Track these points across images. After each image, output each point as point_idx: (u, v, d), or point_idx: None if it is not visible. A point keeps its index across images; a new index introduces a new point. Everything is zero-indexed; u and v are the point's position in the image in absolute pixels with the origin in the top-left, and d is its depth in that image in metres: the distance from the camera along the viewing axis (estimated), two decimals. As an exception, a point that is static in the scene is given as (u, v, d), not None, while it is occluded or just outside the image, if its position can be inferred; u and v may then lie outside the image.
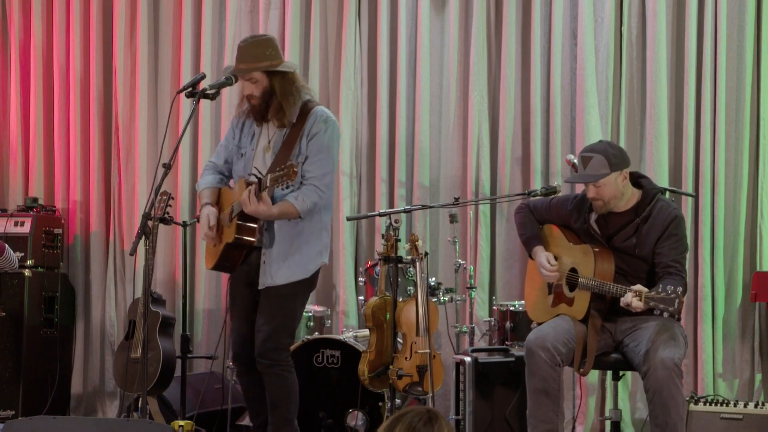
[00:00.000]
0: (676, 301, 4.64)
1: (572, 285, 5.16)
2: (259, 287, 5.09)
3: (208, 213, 5.18)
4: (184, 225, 6.69)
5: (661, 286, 4.72)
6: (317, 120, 5.07)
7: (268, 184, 4.84)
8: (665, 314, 4.71)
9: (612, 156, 5.04)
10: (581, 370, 5.09)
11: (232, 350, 5.28)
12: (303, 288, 5.17)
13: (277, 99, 5.06)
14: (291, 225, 5.07)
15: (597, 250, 5.09)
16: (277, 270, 5.05)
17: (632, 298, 4.76)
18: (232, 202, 5.12)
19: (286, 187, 4.91)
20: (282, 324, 5.11)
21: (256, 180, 4.94)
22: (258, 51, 5.07)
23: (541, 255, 5.25)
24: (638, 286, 4.78)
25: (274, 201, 4.98)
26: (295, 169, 4.74)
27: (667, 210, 5.08)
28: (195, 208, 7.16)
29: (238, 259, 5.13)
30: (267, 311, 5.10)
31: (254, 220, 5.03)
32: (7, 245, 6.43)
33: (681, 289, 4.70)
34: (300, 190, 5.01)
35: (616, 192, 5.06)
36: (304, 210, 5.02)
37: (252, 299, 5.17)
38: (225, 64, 6.99)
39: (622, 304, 4.82)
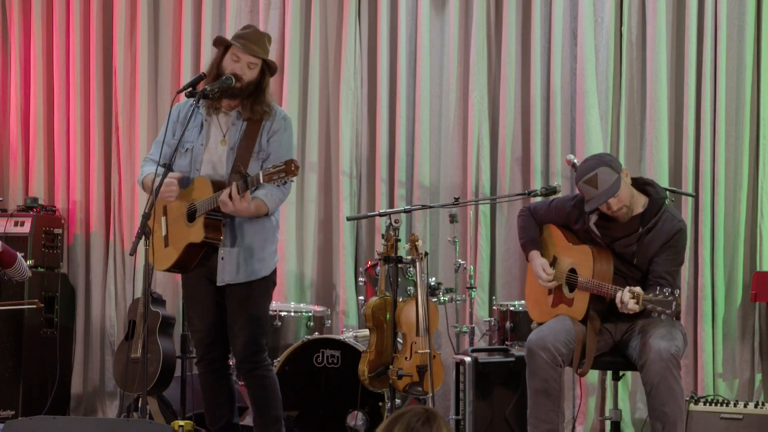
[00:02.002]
0: (674, 303, 4.65)
1: (572, 285, 5.16)
2: (218, 284, 5.00)
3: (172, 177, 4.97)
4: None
5: (658, 288, 4.73)
6: (277, 118, 5.04)
7: (262, 181, 4.73)
8: (662, 317, 4.71)
9: (609, 161, 5.04)
10: (579, 370, 5.09)
11: (196, 354, 5.19)
12: (266, 286, 5.10)
13: (262, 93, 5.01)
14: (251, 223, 4.99)
15: (596, 250, 5.09)
16: (238, 268, 4.98)
17: (629, 298, 4.75)
18: (185, 199, 5.00)
19: (284, 183, 4.82)
20: (257, 326, 5.04)
21: (239, 178, 4.82)
22: (267, 43, 5.09)
23: (537, 261, 5.24)
24: (637, 288, 4.78)
25: None
26: (296, 165, 4.66)
27: (672, 222, 5.06)
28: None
29: (196, 259, 5.01)
30: (239, 316, 5.02)
31: (221, 218, 4.94)
32: (20, 255, 6.42)
33: (678, 291, 4.70)
34: (265, 188, 4.92)
35: (629, 191, 5.05)
36: (273, 207, 4.97)
37: (212, 298, 5.08)
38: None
39: (617, 301, 4.81)
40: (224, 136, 5.03)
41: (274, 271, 5.14)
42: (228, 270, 4.98)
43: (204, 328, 5.11)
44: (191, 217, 4.97)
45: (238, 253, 4.98)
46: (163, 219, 5.13)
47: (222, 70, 5.01)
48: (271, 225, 5.09)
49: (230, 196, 4.79)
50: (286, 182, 4.79)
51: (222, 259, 4.98)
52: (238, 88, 4.98)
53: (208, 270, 5.04)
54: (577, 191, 5.23)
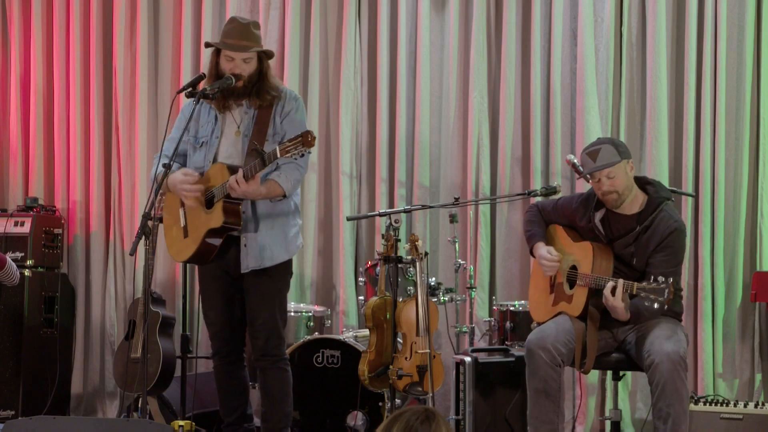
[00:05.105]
0: (666, 290, 4.66)
1: (572, 282, 5.17)
2: (242, 270, 5.01)
3: (183, 171, 5.01)
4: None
5: (653, 277, 4.74)
6: (288, 99, 5.07)
7: (279, 155, 4.73)
8: (656, 305, 4.71)
9: (618, 144, 5.13)
10: (582, 369, 5.09)
11: (212, 347, 5.22)
12: (285, 276, 5.16)
13: (266, 80, 5.05)
14: (270, 207, 5.02)
15: (597, 246, 5.10)
16: (261, 252, 5.00)
17: (609, 291, 4.82)
18: (206, 190, 5.02)
19: (301, 156, 4.79)
20: (279, 318, 5.11)
21: (256, 155, 4.83)
22: (257, 32, 5.11)
23: (542, 248, 5.25)
24: (620, 280, 4.83)
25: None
26: (313, 135, 4.66)
27: (668, 222, 5.07)
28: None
29: (216, 248, 5.01)
30: (261, 313, 5.06)
31: (238, 202, 4.94)
32: (9, 259, 6.42)
33: (672, 279, 4.71)
34: (281, 168, 4.96)
35: (628, 182, 5.08)
36: (289, 188, 4.97)
37: (229, 293, 5.11)
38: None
39: (605, 291, 4.87)
40: (238, 127, 5.07)
41: (291, 261, 5.16)
42: (252, 255, 5.00)
43: (220, 321, 5.15)
44: (209, 203, 4.98)
45: (260, 239, 5.01)
46: (181, 210, 5.14)
47: (221, 72, 5.04)
48: (290, 209, 5.10)
49: (237, 181, 4.80)
50: (303, 154, 4.75)
51: (245, 246, 5.00)
52: (241, 86, 5.02)
53: (225, 262, 5.07)
54: (577, 189, 5.25)
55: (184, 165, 5.18)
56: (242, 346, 5.23)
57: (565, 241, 5.28)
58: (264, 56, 5.08)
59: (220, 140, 5.07)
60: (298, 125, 4.99)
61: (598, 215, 5.17)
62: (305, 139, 4.66)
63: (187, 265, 6.74)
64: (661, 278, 4.70)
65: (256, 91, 5.03)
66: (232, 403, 5.22)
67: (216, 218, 4.95)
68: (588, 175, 5.10)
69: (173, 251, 5.23)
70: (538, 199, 6.16)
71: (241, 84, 5.02)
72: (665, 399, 4.87)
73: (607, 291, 4.87)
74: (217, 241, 5.00)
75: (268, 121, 5.01)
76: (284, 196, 4.99)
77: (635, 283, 4.81)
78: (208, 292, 5.20)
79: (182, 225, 5.11)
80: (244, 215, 4.98)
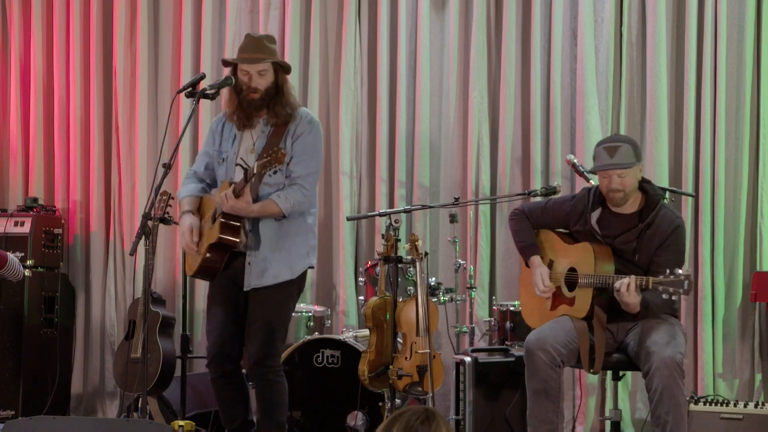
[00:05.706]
0: (686, 282, 4.67)
1: (571, 284, 5.15)
2: (245, 288, 5.04)
3: (191, 223, 5.10)
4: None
5: (667, 270, 4.74)
6: (302, 121, 5.08)
7: (255, 171, 4.79)
8: (674, 297, 4.73)
9: (636, 146, 5.10)
10: (592, 370, 5.07)
11: (208, 353, 5.18)
12: (291, 290, 5.13)
13: (282, 95, 5.07)
14: (276, 226, 5.04)
15: (597, 247, 5.08)
16: (264, 271, 5.02)
17: (626, 287, 4.79)
18: (214, 207, 5.08)
19: (274, 173, 4.87)
20: (276, 331, 5.07)
21: (242, 174, 4.90)
22: (271, 45, 5.12)
23: (538, 270, 5.22)
24: (646, 278, 4.81)
25: (259, 199, 4.97)
26: (283, 152, 4.71)
27: (670, 218, 5.08)
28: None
29: (221, 263, 5.04)
30: (259, 318, 5.05)
31: (238, 219, 4.98)
32: (11, 255, 6.41)
33: (689, 272, 4.73)
34: (284, 189, 5.00)
35: (635, 185, 5.08)
36: (287, 208, 4.99)
37: (233, 301, 5.11)
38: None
39: (617, 285, 4.84)
40: (254, 145, 5.09)
41: (303, 275, 5.16)
42: (255, 273, 5.03)
43: (219, 327, 5.14)
44: (214, 219, 5.03)
45: (264, 257, 5.03)
46: (204, 226, 5.20)
47: (239, 88, 5.07)
48: (300, 228, 5.11)
49: (226, 196, 4.87)
50: (276, 171, 4.84)
51: (249, 264, 5.03)
52: (258, 99, 5.04)
53: (233, 272, 5.08)
54: (576, 191, 5.23)
55: (213, 181, 5.24)
56: (239, 357, 5.19)
57: (559, 246, 5.26)
58: (281, 69, 5.09)
59: (237, 157, 5.10)
60: (308, 149, 5.02)
61: (595, 216, 5.16)
62: (275, 156, 4.72)
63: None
64: (678, 270, 4.71)
65: (272, 105, 5.05)
66: (231, 412, 5.21)
67: (214, 234, 5.00)
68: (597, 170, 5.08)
69: (187, 265, 5.29)
70: (534, 200, 6.16)
71: (258, 97, 5.04)
72: (663, 406, 4.87)
73: (623, 287, 4.85)
74: (219, 257, 5.03)
75: (280, 140, 5.04)
76: (283, 216, 5.01)
77: (650, 277, 4.81)
78: (213, 299, 5.21)
79: (194, 240, 5.16)
80: (251, 234, 5.01)
